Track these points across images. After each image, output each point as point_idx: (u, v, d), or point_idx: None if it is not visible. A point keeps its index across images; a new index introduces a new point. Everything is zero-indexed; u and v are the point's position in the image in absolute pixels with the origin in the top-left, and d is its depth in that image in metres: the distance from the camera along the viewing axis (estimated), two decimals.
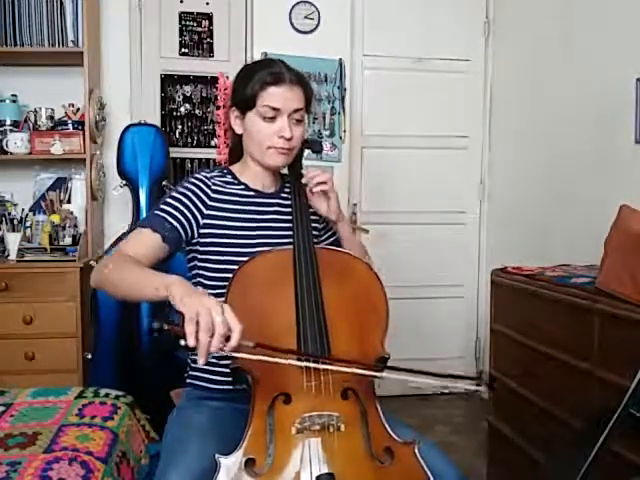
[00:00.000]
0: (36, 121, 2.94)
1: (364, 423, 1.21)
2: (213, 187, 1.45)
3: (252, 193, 1.50)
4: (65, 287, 2.66)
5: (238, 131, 1.48)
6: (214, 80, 3.09)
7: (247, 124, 1.44)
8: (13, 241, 2.75)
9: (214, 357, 1.44)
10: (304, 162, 1.58)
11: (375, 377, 1.24)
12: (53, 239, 2.75)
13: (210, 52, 3.23)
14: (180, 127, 3.23)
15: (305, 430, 1.16)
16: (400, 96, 3.43)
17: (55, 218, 2.79)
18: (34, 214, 2.81)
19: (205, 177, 1.46)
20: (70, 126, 2.93)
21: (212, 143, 3.22)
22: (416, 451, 1.18)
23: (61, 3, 2.84)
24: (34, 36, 2.84)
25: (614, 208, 1.76)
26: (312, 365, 1.19)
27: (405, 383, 3.60)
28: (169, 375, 1.83)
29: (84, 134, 2.89)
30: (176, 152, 3.18)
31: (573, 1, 2.76)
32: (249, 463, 1.13)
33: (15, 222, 2.82)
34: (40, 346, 2.64)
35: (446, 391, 3.52)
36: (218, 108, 2.98)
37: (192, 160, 3.23)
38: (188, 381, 1.50)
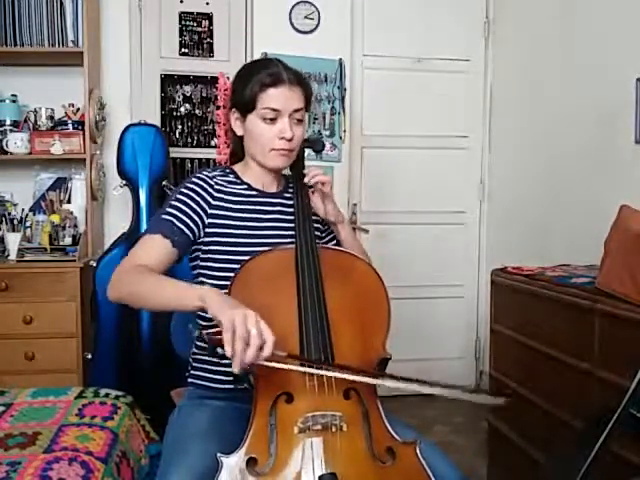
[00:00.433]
0: (36, 121, 2.94)
1: (366, 423, 1.21)
2: (215, 186, 1.45)
3: (254, 193, 1.50)
4: (65, 287, 2.66)
5: (239, 133, 1.48)
6: (214, 80, 3.09)
7: (248, 126, 1.44)
8: (13, 241, 2.75)
9: (216, 356, 1.44)
10: (306, 163, 1.58)
11: (382, 384, 1.24)
12: (53, 239, 2.75)
13: (210, 52, 3.23)
14: (180, 127, 3.23)
15: (307, 430, 1.16)
16: (400, 96, 3.43)
17: (55, 218, 2.79)
18: (34, 214, 2.81)
19: (207, 176, 1.46)
20: (70, 126, 2.93)
21: (212, 143, 3.22)
22: (417, 451, 1.18)
23: (61, 3, 2.84)
24: (34, 36, 2.83)
25: (614, 208, 1.76)
26: (328, 374, 1.19)
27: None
28: (169, 375, 1.83)
29: (84, 134, 2.89)
30: (176, 152, 3.18)
31: (573, 1, 2.77)
32: (251, 463, 1.13)
33: (15, 222, 2.81)
34: (40, 346, 2.63)
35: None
36: (218, 108, 2.98)
37: (192, 160, 3.23)
38: (189, 380, 1.50)
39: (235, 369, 1.08)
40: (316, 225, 1.53)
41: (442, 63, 3.47)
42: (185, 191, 1.43)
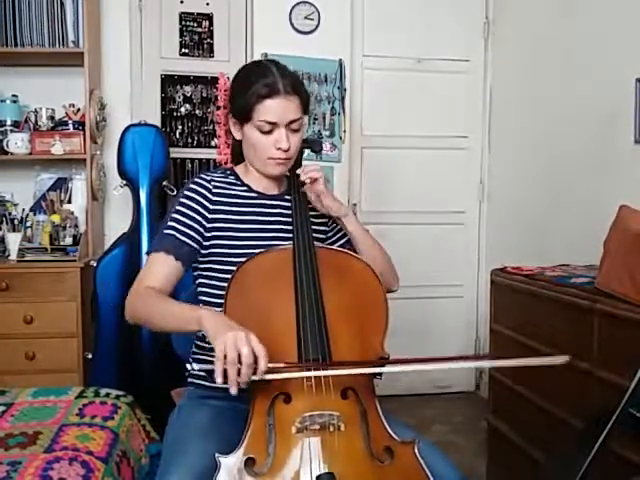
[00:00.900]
0: (36, 121, 2.94)
1: (364, 422, 1.21)
2: (214, 190, 1.46)
3: (255, 195, 1.50)
4: (65, 287, 2.66)
5: (237, 137, 1.49)
6: (214, 80, 3.09)
7: (245, 134, 1.44)
8: (14, 241, 2.75)
9: (214, 356, 1.44)
10: (304, 162, 1.58)
11: (379, 372, 1.25)
12: (54, 239, 2.75)
13: (210, 52, 3.24)
14: (180, 127, 3.23)
15: (305, 429, 1.16)
16: (400, 96, 3.43)
17: (55, 218, 2.79)
18: (35, 214, 2.82)
19: (205, 180, 1.47)
20: (70, 126, 2.93)
21: (212, 143, 3.22)
22: (416, 451, 1.18)
23: (61, 3, 2.84)
24: (35, 36, 2.84)
25: (614, 208, 1.76)
26: (322, 373, 1.20)
27: (405, 383, 3.58)
28: (169, 375, 1.83)
29: (84, 134, 2.90)
30: (176, 152, 3.18)
31: (573, 1, 2.77)
32: (249, 462, 1.14)
33: (16, 222, 2.82)
34: (40, 346, 2.64)
35: (445, 390, 3.53)
36: (218, 108, 2.99)
37: (192, 160, 3.24)
38: (189, 380, 1.50)
39: (232, 391, 1.11)
40: (320, 227, 1.53)
41: (442, 63, 3.47)
42: (183, 200, 1.44)
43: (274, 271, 1.34)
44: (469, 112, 3.52)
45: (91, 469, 1.42)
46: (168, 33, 3.19)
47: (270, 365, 1.13)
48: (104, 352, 2.66)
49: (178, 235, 1.41)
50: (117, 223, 3.07)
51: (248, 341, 1.11)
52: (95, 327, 2.68)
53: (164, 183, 2.86)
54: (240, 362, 1.09)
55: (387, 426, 1.23)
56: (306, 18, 3.25)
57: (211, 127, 3.23)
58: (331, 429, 1.16)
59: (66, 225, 2.78)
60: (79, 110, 2.97)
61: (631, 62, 2.35)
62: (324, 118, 3.30)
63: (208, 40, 3.23)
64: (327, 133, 3.31)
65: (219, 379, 1.09)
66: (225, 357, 1.09)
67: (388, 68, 3.42)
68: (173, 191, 2.86)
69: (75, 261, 2.70)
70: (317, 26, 3.26)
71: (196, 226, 1.42)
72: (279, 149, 1.41)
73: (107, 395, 1.84)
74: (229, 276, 1.32)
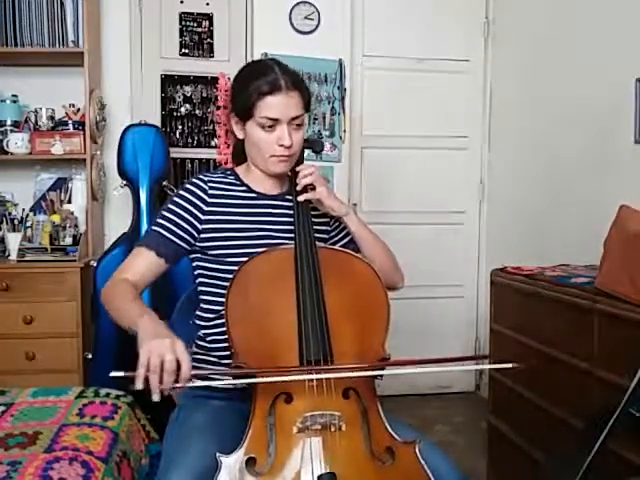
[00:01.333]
0: (36, 121, 2.94)
1: (365, 423, 1.21)
2: (210, 191, 1.45)
3: (254, 195, 1.50)
4: (65, 287, 2.66)
5: (239, 136, 1.48)
6: (214, 80, 3.09)
7: (247, 132, 1.44)
8: (14, 241, 2.75)
9: (214, 356, 1.45)
10: (305, 163, 1.58)
11: (380, 375, 1.25)
12: (54, 239, 2.75)
13: (210, 52, 3.24)
14: (180, 127, 3.23)
15: (306, 429, 1.16)
16: (400, 96, 3.43)
17: (55, 218, 2.79)
18: (35, 214, 2.81)
19: (201, 180, 1.47)
20: (70, 126, 2.93)
21: (212, 143, 3.22)
22: (417, 451, 1.18)
23: (61, 3, 2.84)
24: (34, 36, 2.84)
25: (613, 208, 1.76)
26: (315, 377, 1.20)
27: (405, 383, 3.58)
28: None
29: (84, 134, 2.90)
30: (176, 152, 3.18)
31: (573, 1, 2.77)
32: (250, 462, 1.14)
33: (16, 222, 2.82)
34: (40, 346, 2.64)
35: (446, 390, 3.53)
36: (218, 108, 2.99)
37: (192, 160, 3.24)
38: None
39: (154, 397, 1.12)
40: (321, 222, 1.53)
41: (442, 63, 3.47)
42: (176, 199, 1.45)
43: (275, 271, 1.34)
44: (469, 112, 3.52)
45: (91, 469, 1.41)
46: (168, 33, 3.19)
47: (194, 372, 1.15)
48: (104, 352, 2.65)
49: (163, 232, 1.42)
50: (117, 223, 3.07)
51: (173, 349, 1.12)
52: (95, 327, 2.68)
53: (164, 183, 2.86)
54: (162, 369, 1.11)
55: (388, 426, 1.23)
56: (306, 18, 3.25)
57: (211, 127, 3.23)
58: (332, 429, 1.16)
59: (66, 225, 2.78)
60: (79, 110, 2.97)
61: (631, 62, 2.35)
62: (324, 118, 3.30)
63: (208, 40, 3.23)
64: (327, 133, 3.31)
65: (139, 385, 1.11)
66: (148, 365, 1.11)
67: (388, 68, 3.42)
68: (173, 191, 2.85)
69: (75, 261, 2.70)
70: (317, 26, 3.26)
71: (185, 225, 1.43)
72: (282, 146, 1.41)
73: (107, 395, 1.84)
74: (229, 276, 1.32)
